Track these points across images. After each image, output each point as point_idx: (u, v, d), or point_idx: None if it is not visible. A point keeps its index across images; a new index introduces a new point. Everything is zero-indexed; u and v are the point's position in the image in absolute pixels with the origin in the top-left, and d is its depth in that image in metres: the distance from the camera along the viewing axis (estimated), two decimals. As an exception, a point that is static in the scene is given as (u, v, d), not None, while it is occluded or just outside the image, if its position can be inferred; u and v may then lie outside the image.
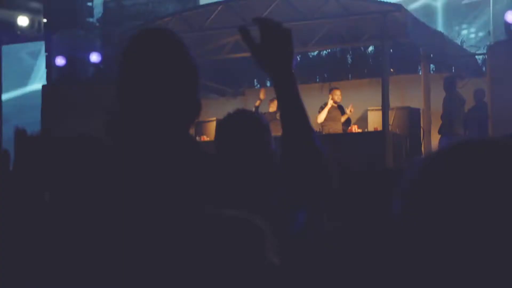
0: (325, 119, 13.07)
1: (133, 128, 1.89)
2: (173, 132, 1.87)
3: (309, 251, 2.19)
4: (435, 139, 13.21)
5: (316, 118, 12.79)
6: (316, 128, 13.44)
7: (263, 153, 2.80)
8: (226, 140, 2.88)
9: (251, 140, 2.83)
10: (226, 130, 2.90)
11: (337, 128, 13.02)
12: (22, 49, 24.04)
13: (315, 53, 14.35)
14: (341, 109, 13.29)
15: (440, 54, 13.49)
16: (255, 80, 15.98)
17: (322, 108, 13.04)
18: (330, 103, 12.96)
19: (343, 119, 13.24)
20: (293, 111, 2.03)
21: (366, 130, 13.30)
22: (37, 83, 22.57)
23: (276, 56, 2.01)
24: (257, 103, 13.44)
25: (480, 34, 19.55)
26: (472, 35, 20.19)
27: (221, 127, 2.93)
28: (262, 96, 13.44)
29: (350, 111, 13.11)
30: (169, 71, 1.87)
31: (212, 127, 14.47)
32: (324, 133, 13.06)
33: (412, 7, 14.83)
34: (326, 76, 15.31)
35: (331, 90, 13.26)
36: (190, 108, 1.90)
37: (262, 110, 13.42)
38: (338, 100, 13.19)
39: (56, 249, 1.81)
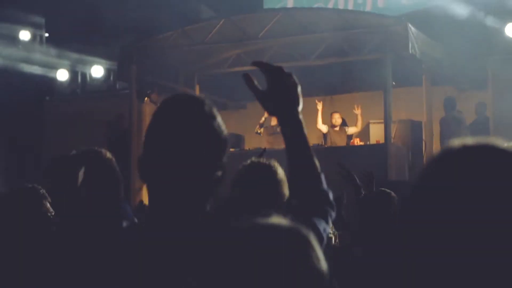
0: (333, 141, 13.19)
1: (151, 195, 1.89)
2: (189, 206, 1.85)
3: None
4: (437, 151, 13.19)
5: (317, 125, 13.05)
6: (318, 140, 13.47)
7: (277, 206, 2.78)
8: (241, 192, 2.87)
9: (266, 194, 2.82)
10: (241, 183, 2.89)
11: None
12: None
13: (317, 66, 14.32)
14: (344, 124, 13.36)
15: (442, 67, 13.51)
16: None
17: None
18: (320, 106, 13.11)
19: (354, 130, 13.31)
20: (299, 152, 2.04)
21: (368, 143, 13.32)
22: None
23: (281, 101, 2.02)
24: (262, 120, 13.48)
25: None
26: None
27: (237, 179, 2.92)
28: (266, 114, 13.48)
29: (355, 109, 13.19)
30: (189, 146, 1.83)
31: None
32: (326, 146, 13.10)
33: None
34: (327, 89, 15.32)
35: (330, 115, 13.43)
36: (208, 183, 1.87)
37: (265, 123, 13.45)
38: (336, 124, 13.29)
39: None
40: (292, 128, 2.03)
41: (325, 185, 2.07)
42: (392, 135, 12.64)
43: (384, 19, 12.83)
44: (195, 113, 1.86)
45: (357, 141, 13.23)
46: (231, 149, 13.44)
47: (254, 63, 2.02)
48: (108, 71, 16.99)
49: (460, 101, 13.54)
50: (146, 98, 14.51)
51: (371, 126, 13.88)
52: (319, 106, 13.20)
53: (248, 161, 3.02)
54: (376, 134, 13.30)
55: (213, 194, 1.88)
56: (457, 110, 13.07)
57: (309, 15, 13.15)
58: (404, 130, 13.25)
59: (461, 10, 13.54)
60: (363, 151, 12.42)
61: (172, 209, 1.85)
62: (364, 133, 13.74)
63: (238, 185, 2.92)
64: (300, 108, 2.04)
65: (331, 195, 2.07)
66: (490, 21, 13.60)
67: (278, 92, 2.01)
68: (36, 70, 16.51)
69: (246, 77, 1.98)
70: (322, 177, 2.08)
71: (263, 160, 3.02)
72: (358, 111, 13.20)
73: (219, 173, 1.87)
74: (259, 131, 13.50)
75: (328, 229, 2.05)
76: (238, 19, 13.27)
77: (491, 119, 13.08)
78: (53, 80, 16.91)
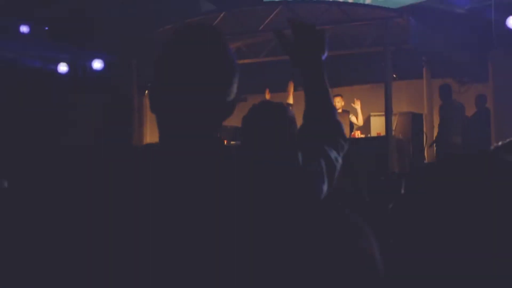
0: None
1: (162, 125, 1.89)
2: (200, 132, 1.86)
3: None
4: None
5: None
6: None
7: (288, 143, 2.80)
8: (252, 131, 2.87)
9: (277, 131, 2.82)
10: (252, 122, 2.89)
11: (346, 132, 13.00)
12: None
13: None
14: (346, 113, 13.30)
15: (443, 60, 13.50)
16: (257, 86, 15.99)
17: None
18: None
19: (355, 120, 13.27)
20: (317, 88, 2.16)
21: (369, 135, 13.31)
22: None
23: (307, 50, 2.12)
24: None
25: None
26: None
27: (248, 118, 2.92)
28: (267, 96, 13.51)
29: (354, 103, 13.14)
30: (201, 70, 1.85)
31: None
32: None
33: None
34: (328, 81, 15.32)
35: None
36: (219, 108, 1.88)
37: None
38: (337, 107, 13.22)
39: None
40: (313, 71, 2.14)
41: (337, 117, 2.17)
42: (393, 128, 12.63)
43: (385, 11, 12.80)
44: (205, 40, 1.88)
45: (358, 134, 13.22)
46: (232, 142, 13.47)
47: (288, 20, 2.14)
48: (108, 64, 16.96)
49: (461, 93, 13.54)
50: (146, 92, 14.51)
51: (372, 118, 13.87)
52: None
53: (259, 102, 3.06)
54: (377, 126, 13.28)
55: (224, 119, 1.91)
56: (456, 101, 13.06)
57: (309, 8, 13.12)
58: (405, 123, 13.24)
59: (462, 2, 13.52)
60: (364, 144, 12.42)
61: (184, 134, 1.86)
62: (365, 126, 13.73)
63: (249, 122, 2.92)
64: (324, 56, 2.15)
65: (343, 128, 2.13)
66: (490, 13, 13.58)
67: (304, 44, 2.12)
68: (36, 63, 16.49)
69: (276, 32, 2.13)
70: (335, 110, 2.18)
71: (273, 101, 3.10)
72: (357, 106, 13.14)
73: (230, 98, 1.89)
74: None
75: (340, 159, 2.10)
76: (238, 12, 13.25)
77: (492, 112, 13.07)
78: (54, 73, 16.90)
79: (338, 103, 13.22)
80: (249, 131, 2.89)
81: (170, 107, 1.86)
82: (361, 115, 13.23)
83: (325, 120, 2.13)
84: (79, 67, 17.05)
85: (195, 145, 1.84)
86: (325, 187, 1.95)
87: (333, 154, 2.07)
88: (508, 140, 2.47)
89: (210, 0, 16.32)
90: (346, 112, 13.27)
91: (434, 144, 13.03)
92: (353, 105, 13.23)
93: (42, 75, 16.66)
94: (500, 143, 2.47)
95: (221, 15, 13.18)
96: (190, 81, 1.83)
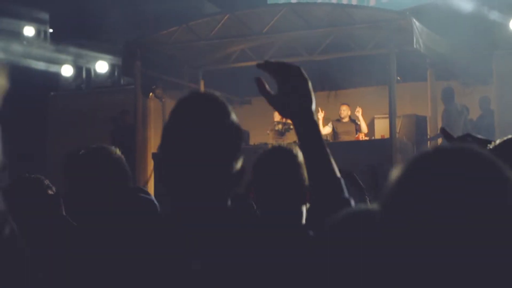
0: (340, 133, 13.13)
1: (172, 196, 1.93)
2: (211, 202, 1.91)
3: None
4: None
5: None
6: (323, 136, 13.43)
7: (298, 189, 2.84)
8: (263, 176, 2.91)
9: (287, 177, 2.85)
10: (263, 167, 2.93)
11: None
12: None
13: (321, 61, 14.34)
14: (354, 123, 13.24)
15: (447, 62, 13.48)
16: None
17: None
18: (321, 114, 12.87)
19: (359, 127, 13.24)
20: (317, 157, 1.97)
21: (373, 137, 13.30)
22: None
23: (293, 102, 1.94)
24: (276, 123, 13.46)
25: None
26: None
27: (259, 163, 2.95)
28: (278, 117, 13.44)
29: (357, 112, 13.12)
30: (208, 141, 1.88)
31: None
32: (332, 141, 13.09)
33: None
34: (332, 84, 15.32)
35: (340, 107, 13.37)
36: (228, 178, 1.91)
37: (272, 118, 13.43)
38: (343, 116, 13.22)
39: None
40: (307, 130, 1.96)
41: (346, 193, 1.99)
42: (397, 130, 12.63)
43: (388, 13, 12.80)
44: (210, 114, 1.90)
45: (361, 136, 13.22)
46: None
47: (258, 66, 1.95)
48: (112, 67, 17.00)
49: (465, 96, 13.53)
50: (150, 94, 14.52)
51: (376, 121, 13.86)
52: (320, 115, 13.07)
53: (269, 145, 3.08)
54: (381, 128, 13.28)
55: (234, 188, 1.94)
56: (459, 104, 13.05)
57: (313, 10, 13.13)
58: (409, 125, 13.24)
59: (465, 5, 13.51)
60: (368, 146, 12.42)
61: (194, 206, 1.90)
62: (369, 128, 13.73)
63: (259, 168, 2.95)
64: (313, 106, 1.97)
65: (352, 204, 2.03)
66: (494, 15, 13.57)
67: (289, 93, 1.94)
68: (40, 65, 16.53)
69: (258, 81, 1.94)
70: (343, 183, 1.99)
71: (283, 144, 3.10)
72: (358, 113, 13.08)
73: (237, 167, 1.91)
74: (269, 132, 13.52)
75: None
76: (242, 14, 13.26)
77: (496, 114, 13.06)
78: (58, 75, 16.94)
79: (344, 111, 13.24)
80: (259, 177, 2.94)
81: (177, 180, 1.90)
82: (363, 122, 13.19)
83: (331, 199, 1.99)
84: (83, 69, 17.08)
85: (205, 217, 1.90)
86: None
87: None
88: (502, 140, 2.43)
89: (214, 2, 16.35)
90: (353, 121, 13.27)
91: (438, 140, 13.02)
92: (356, 113, 13.21)
93: (47, 77, 16.68)
94: (497, 141, 2.44)
95: (225, 17, 13.19)
96: (195, 156, 1.86)
